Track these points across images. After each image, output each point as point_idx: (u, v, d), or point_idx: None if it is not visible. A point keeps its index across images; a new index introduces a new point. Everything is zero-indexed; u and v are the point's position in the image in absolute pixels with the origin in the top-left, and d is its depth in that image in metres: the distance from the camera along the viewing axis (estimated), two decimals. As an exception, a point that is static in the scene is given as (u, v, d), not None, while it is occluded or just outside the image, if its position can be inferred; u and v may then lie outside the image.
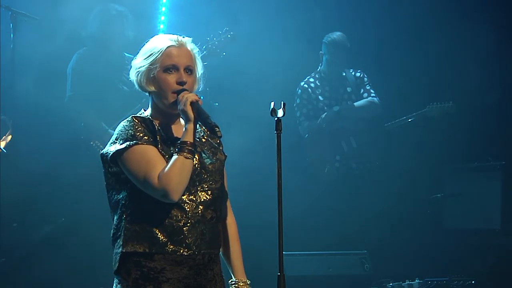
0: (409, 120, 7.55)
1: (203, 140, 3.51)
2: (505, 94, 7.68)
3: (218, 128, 3.28)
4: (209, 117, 3.31)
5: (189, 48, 3.47)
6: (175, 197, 3.27)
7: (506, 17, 7.66)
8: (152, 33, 3.54)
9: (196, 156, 3.40)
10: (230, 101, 7.31)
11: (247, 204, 6.15)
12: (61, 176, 6.56)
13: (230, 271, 3.58)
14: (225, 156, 3.57)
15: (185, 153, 3.28)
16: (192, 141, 3.31)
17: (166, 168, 3.26)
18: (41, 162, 6.64)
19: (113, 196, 3.41)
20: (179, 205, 3.34)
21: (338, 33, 7.54)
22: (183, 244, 3.33)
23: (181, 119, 3.47)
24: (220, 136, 3.31)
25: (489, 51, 7.60)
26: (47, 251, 6.64)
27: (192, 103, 3.32)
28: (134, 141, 3.32)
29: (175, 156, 3.28)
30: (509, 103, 7.64)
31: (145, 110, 3.51)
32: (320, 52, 7.62)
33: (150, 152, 3.31)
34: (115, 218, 3.39)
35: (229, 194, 3.61)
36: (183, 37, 3.48)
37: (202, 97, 3.42)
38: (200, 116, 3.32)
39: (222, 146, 3.59)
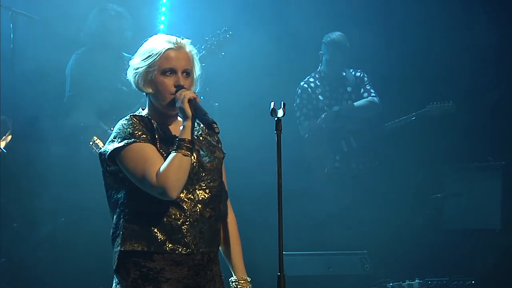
0: (409, 120, 7.54)
1: (201, 138, 3.51)
2: (505, 94, 7.67)
3: (216, 125, 3.27)
4: (207, 114, 3.30)
5: (187, 50, 3.45)
6: (174, 195, 3.26)
7: (506, 17, 7.65)
8: (152, 33, 3.53)
9: (194, 154, 3.39)
10: (230, 101, 7.30)
11: (247, 203, 6.15)
12: (60, 176, 6.56)
13: (230, 269, 3.58)
14: (224, 154, 3.57)
15: (183, 150, 3.28)
16: (190, 138, 3.30)
17: (164, 166, 3.25)
18: (40, 162, 6.64)
19: (112, 196, 3.41)
20: (178, 204, 3.33)
21: (338, 33, 7.54)
22: (182, 242, 3.33)
23: (179, 118, 3.47)
24: (218, 133, 3.29)
25: (489, 51, 7.60)
26: (47, 251, 6.64)
27: (189, 101, 3.31)
28: (133, 140, 3.32)
29: (173, 153, 3.28)
30: (509, 103, 7.64)
31: (143, 109, 3.50)
32: (320, 52, 7.62)
33: (148, 150, 3.31)
34: (114, 217, 3.39)
35: (229, 193, 3.61)
36: (182, 39, 3.47)
37: (202, 97, 3.41)
38: (197, 113, 3.31)
39: (220, 144, 3.58)
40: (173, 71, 3.39)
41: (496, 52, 7.61)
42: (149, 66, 3.39)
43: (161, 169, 3.24)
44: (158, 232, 3.31)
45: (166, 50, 3.40)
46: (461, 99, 7.58)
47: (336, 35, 7.52)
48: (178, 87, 3.37)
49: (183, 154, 3.27)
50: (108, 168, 3.38)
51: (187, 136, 3.30)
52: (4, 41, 6.55)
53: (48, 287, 6.53)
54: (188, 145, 3.29)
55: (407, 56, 7.73)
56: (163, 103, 3.40)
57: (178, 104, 3.32)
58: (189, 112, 3.31)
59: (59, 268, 6.49)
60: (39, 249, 6.66)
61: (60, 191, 6.61)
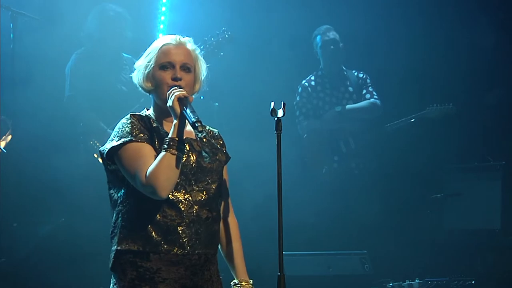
0: (409, 121, 7.53)
1: (205, 140, 3.53)
2: (505, 94, 7.67)
3: (200, 123, 3.22)
4: (193, 112, 3.27)
5: (188, 47, 3.49)
6: (163, 194, 3.25)
7: (506, 17, 7.66)
8: (152, 33, 3.56)
9: (193, 156, 3.41)
10: (230, 101, 7.30)
11: (247, 204, 6.15)
12: (60, 176, 6.56)
13: (231, 271, 3.57)
14: (229, 158, 3.57)
15: (171, 149, 3.27)
16: (177, 137, 3.29)
17: (153, 165, 3.25)
18: (40, 162, 6.64)
19: (113, 194, 3.43)
20: (174, 204, 3.34)
21: (325, 26, 7.53)
22: (177, 243, 3.33)
23: (181, 117, 3.47)
24: (201, 131, 3.26)
25: (489, 51, 7.60)
26: (47, 251, 6.64)
27: (180, 99, 3.32)
28: (129, 138, 3.33)
29: (162, 153, 3.27)
30: (509, 103, 7.64)
31: (147, 110, 3.52)
32: (314, 50, 7.61)
33: (143, 149, 3.32)
34: (113, 215, 3.40)
35: (229, 194, 3.60)
36: (183, 37, 3.51)
37: (202, 97, 3.41)
38: (184, 111, 3.29)
39: (225, 148, 3.59)
40: (171, 65, 3.43)
41: (496, 53, 7.61)
42: (149, 61, 3.44)
43: (150, 168, 3.24)
44: (154, 232, 3.32)
45: (164, 45, 3.46)
46: (461, 100, 7.58)
47: (322, 27, 7.51)
48: (175, 80, 3.39)
49: (171, 153, 3.27)
50: (108, 167, 3.41)
51: (175, 135, 3.30)
52: (4, 41, 6.55)
53: (48, 287, 6.52)
54: (177, 144, 3.28)
55: (407, 57, 7.73)
56: (162, 97, 3.42)
57: (168, 103, 3.34)
58: (177, 110, 3.31)
59: (59, 268, 6.48)
60: (39, 249, 6.66)
61: (60, 191, 6.61)
